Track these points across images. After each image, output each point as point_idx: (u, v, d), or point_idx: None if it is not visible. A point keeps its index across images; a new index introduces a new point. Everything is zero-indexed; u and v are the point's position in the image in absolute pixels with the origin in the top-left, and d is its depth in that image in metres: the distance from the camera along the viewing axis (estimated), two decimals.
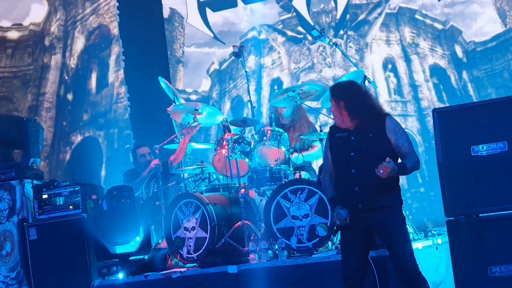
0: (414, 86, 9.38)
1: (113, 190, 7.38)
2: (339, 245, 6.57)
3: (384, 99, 9.42)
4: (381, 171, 5.14)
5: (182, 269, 7.05)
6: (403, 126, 9.06)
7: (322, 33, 7.71)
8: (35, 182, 7.98)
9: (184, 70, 10.58)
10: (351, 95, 5.43)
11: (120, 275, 7.19)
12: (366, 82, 7.61)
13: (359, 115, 5.40)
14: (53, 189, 7.85)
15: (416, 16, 9.39)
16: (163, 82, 8.11)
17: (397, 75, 9.46)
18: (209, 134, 10.19)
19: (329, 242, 6.85)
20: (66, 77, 10.86)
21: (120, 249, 7.39)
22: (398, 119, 8.99)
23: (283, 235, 6.83)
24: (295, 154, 7.57)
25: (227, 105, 10.32)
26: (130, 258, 7.41)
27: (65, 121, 10.87)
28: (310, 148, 7.95)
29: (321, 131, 7.57)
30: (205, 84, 10.47)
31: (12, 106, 10.85)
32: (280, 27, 10.07)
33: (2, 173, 8.06)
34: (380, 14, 9.56)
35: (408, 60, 9.42)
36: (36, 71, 10.90)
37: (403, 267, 5.35)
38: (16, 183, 7.88)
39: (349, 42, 9.67)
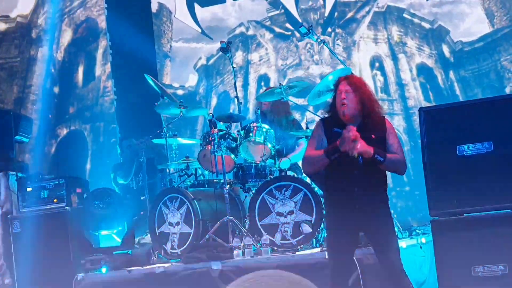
0: (401, 85, 9.40)
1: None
2: (323, 243, 6.58)
3: None
4: (351, 144, 5.11)
5: (166, 264, 7.04)
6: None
7: (310, 30, 7.70)
8: (19, 174, 7.94)
9: (172, 65, 10.55)
10: (368, 89, 5.45)
11: (104, 270, 7.17)
12: None
13: (367, 111, 5.37)
14: (38, 182, 7.81)
15: (404, 15, 9.41)
16: (149, 79, 8.09)
17: (384, 74, 9.47)
18: (195, 129, 10.17)
19: (313, 239, 6.85)
20: (53, 70, 10.81)
21: (104, 243, 7.38)
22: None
23: (267, 232, 6.83)
24: (283, 159, 7.57)
25: (213, 101, 10.30)
26: (114, 252, 7.40)
27: (51, 114, 10.82)
28: (296, 147, 7.94)
29: (307, 128, 7.57)
30: (192, 79, 10.45)
31: None
32: (268, 23, 10.07)
33: None
34: (368, 12, 9.57)
35: (395, 59, 9.44)
36: (22, 63, 10.84)
37: (391, 266, 5.36)
38: (0, 175, 7.83)
39: (337, 39, 9.67)
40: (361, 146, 5.17)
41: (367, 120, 5.38)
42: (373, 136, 5.32)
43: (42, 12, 10.81)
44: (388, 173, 5.48)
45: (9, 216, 7.71)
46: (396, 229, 6.88)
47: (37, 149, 10.40)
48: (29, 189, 7.78)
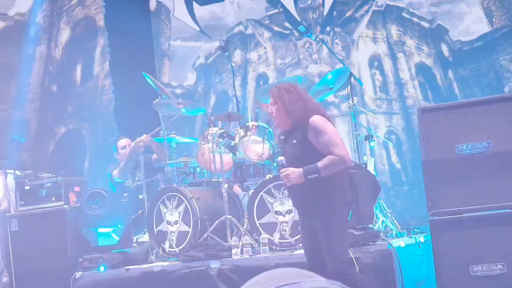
0: (399, 84, 9.40)
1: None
2: None
3: (370, 96, 9.44)
4: (285, 180, 5.33)
5: (164, 263, 7.04)
6: (387, 124, 9.16)
7: (309, 29, 7.70)
8: (17, 173, 7.92)
9: (170, 64, 10.54)
10: (288, 96, 5.43)
11: (102, 268, 7.16)
12: (352, 79, 7.62)
13: (294, 117, 5.40)
14: (36, 180, 7.80)
15: (403, 14, 9.40)
16: (148, 78, 8.08)
17: (383, 73, 9.47)
18: (194, 128, 10.16)
19: None
20: (51, 68, 10.79)
21: (101, 242, 7.37)
22: (383, 116, 9.16)
23: (266, 231, 6.83)
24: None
25: (212, 99, 10.29)
26: (111, 251, 7.39)
27: (49, 113, 10.80)
28: None
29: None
30: (191, 78, 10.44)
31: None
32: (267, 22, 10.06)
33: None
34: (367, 11, 9.56)
35: (394, 58, 9.43)
36: (20, 61, 10.80)
37: (330, 271, 5.35)
38: None
39: (336, 38, 9.66)
40: (291, 180, 5.30)
41: (293, 126, 5.44)
42: (294, 141, 5.40)
43: (40, 10, 10.78)
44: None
45: (6, 214, 7.69)
46: (393, 228, 6.88)
47: (35, 148, 10.38)
48: (27, 187, 7.76)
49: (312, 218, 5.46)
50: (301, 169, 5.27)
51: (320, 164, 5.26)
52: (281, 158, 5.48)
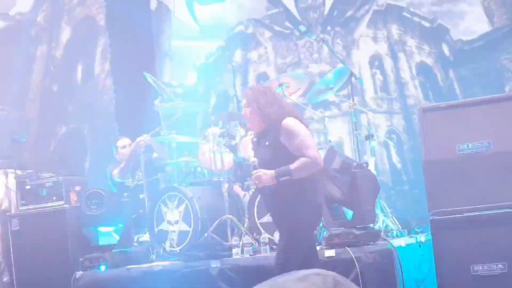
0: (400, 84, 9.38)
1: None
2: (321, 241, 6.57)
3: (370, 96, 9.42)
4: (256, 182, 5.34)
5: (165, 263, 7.03)
6: (388, 123, 9.15)
7: (309, 29, 7.70)
8: (18, 172, 7.93)
9: (171, 63, 10.54)
10: (262, 98, 5.41)
11: (103, 267, 7.16)
12: (353, 78, 7.61)
13: (268, 119, 5.37)
14: (36, 180, 7.80)
15: (404, 13, 9.39)
16: (149, 78, 8.08)
17: (383, 72, 9.46)
18: (194, 127, 10.15)
19: None
20: (52, 68, 10.79)
21: (102, 241, 7.37)
22: (383, 116, 9.15)
23: (266, 230, 6.82)
24: None
25: (213, 99, 10.29)
26: (112, 250, 7.39)
27: (50, 112, 10.80)
28: None
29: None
30: (191, 78, 10.44)
31: None
32: (267, 22, 10.05)
33: None
34: (368, 11, 9.55)
35: (395, 58, 9.42)
36: (21, 61, 10.82)
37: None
38: None
39: (336, 38, 9.65)
40: (263, 181, 5.28)
41: (267, 128, 5.41)
42: (266, 143, 5.38)
43: (41, 10, 10.79)
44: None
45: (7, 214, 7.69)
46: (393, 228, 6.87)
47: (36, 147, 10.39)
48: (27, 187, 7.76)
49: (281, 220, 5.45)
50: (273, 171, 5.25)
51: (292, 166, 5.22)
52: (253, 159, 5.46)
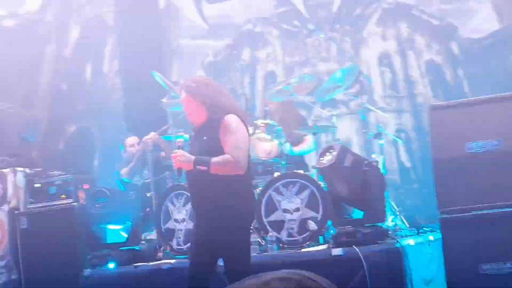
0: (409, 82, 9.35)
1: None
2: (330, 240, 6.56)
3: (379, 94, 9.39)
4: (173, 161, 5.19)
5: (172, 261, 7.03)
6: (397, 122, 9.11)
7: (318, 27, 7.68)
8: (27, 171, 7.95)
9: (179, 62, 10.54)
10: (207, 90, 5.26)
11: (111, 265, 7.17)
12: (361, 77, 7.60)
13: (208, 112, 5.23)
14: (46, 178, 7.82)
15: (413, 11, 9.35)
16: (157, 77, 8.08)
17: (392, 71, 9.43)
18: None
19: (320, 236, 6.83)
20: (61, 67, 10.82)
21: (110, 239, 7.38)
22: (392, 114, 9.12)
23: (273, 228, 6.81)
24: (288, 144, 7.56)
25: None
26: (120, 248, 7.40)
27: (59, 111, 10.82)
28: (300, 143, 7.92)
29: (314, 125, 7.56)
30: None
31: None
32: (275, 20, 10.03)
33: None
34: (376, 9, 9.53)
35: (403, 56, 9.39)
36: (31, 60, 10.84)
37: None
38: (8, 171, 7.84)
39: (345, 36, 9.63)
40: (180, 161, 5.14)
41: (207, 122, 5.26)
42: (204, 138, 5.24)
43: (50, 9, 10.81)
44: None
45: (16, 212, 7.71)
46: (401, 226, 6.84)
47: (45, 146, 10.41)
48: (37, 185, 7.78)
49: (208, 221, 5.25)
50: (193, 157, 5.11)
51: (213, 159, 5.07)
52: (179, 140, 5.41)
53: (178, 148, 5.30)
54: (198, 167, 5.08)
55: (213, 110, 5.19)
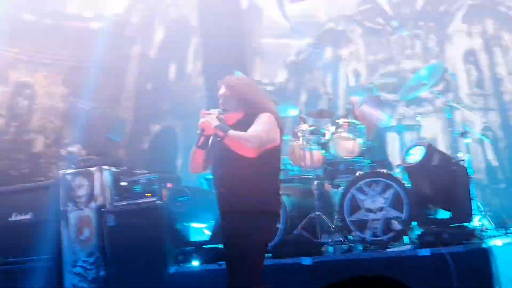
0: (496, 80, 9.15)
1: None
2: (415, 240, 6.48)
3: (465, 92, 9.22)
4: (203, 119, 5.02)
5: None
6: (483, 120, 8.92)
7: (402, 24, 7.61)
8: (113, 169, 8.10)
9: (261, 61, 10.58)
10: (247, 89, 5.15)
11: (196, 263, 7.25)
12: (446, 74, 7.48)
13: (245, 111, 5.10)
14: (131, 176, 7.95)
15: (499, 7, 9.15)
16: (239, 76, 8.14)
17: (478, 68, 9.24)
18: (284, 125, 10.16)
19: (406, 237, 6.75)
20: (146, 68, 11.00)
21: (194, 237, 7.45)
22: (478, 113, 8.92)
23: (357, 228, 6.77)
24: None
25: (303, 96, 10.27)
26: (204, 246, 7.47)
27: (144, 111, 11.01)
28: None
29: (399, 123, 7.48)
30: (282, 75, 10.46)
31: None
32: (358, 18, 9.97)
33: (82, 161, 8.23)
34: (462, 5, 9.36)
35: (490, 53, 9.19)
36: (117, 61, 11.06)
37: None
38: (95, 170, 8.00)
39: (429, 33, 9.49)
40: (206, 121, 5.01)
41: (242, 120, 5.11)
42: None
43: (135, 11, 11.01)
44: None
45: (103, 210, 7.86)
46: (488, 226, 6.69)
47: (131, 145, 10.60)
48: (123, 183, 7.91)
49: (230, 219, 5.05)
50: (217, 122, 4.98)
51: (231, 130, 4.94)
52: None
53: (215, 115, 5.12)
54: (216, 130, 4.95)
55: (250, 109, 5.10)
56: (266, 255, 7.11)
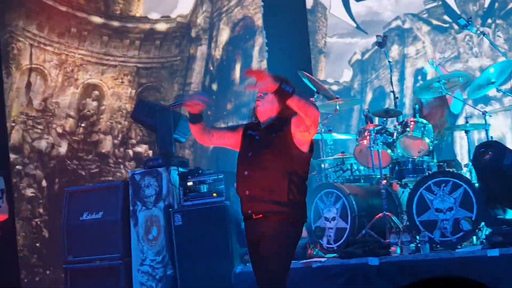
0: None
1: None
2: (484, 240, 6.40)
3: None
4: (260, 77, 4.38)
5: (322, 259, 7.07)
6: None
7: (469, 22, 7.50)
8: (180, 169, 8.18)
9: (326, 61, 10.56)
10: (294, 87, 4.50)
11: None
12: None
13: (281, 110, 4.68)
14: (198, 176, 8.03)
15: None
16: (304, 77, 8.14)
17: None
18: (350, 124, 10.13)
19: (474, 237, 6.67)
20: (211, 68, 11.08)
21: None
22: None
23: (425, 228, 6.72)
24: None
25: (369, 96, 10.22)
26: None
27: (209, 111, 11.09)
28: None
29: (466, 122, 7.39)
30: (347, 75, 10.41)
31: (159, 95, 11.19)
32: (425, 16, 9.86)
33: (149, 161, 8.35)
34: None
35: None
36: (182, 61, 11.18)
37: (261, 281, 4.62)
38: (162, 170, 8.10)
39: (498, 31, 9.32)
40: (265, 79, 4.37)
41: (276, 119, 4.72)
42: (273, 134, 4.68)
43: (201, 12, 11.11)
44: None
45: (170, 209, 7.96)
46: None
47: (197, 145, 10.70)
48: (189, 183, 7.99)
49: (259, 224, 4.67)
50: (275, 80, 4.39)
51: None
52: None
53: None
54: (282, 86, 4.35)
55: (287, 109, 4.63)
56: (330, 255, 7.16)
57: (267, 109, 4.76)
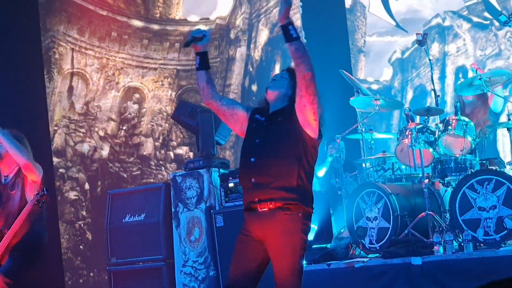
0: None
1: None
2: None
3: None
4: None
5: (365, 259, 7.04)
6: None
7: (510, 19, 7.42)
8: (221, 171, 8.21)
9: (366, 60, 10.52)
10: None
11: (303, 263, 7.27)
12: None
13: (290, 99, 4.66)
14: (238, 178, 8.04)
15: None
16: (344, 75, 8.14)
17: None
18: (391, 123, 10.08)
19: None
20: (251, 69, 11.11)
21: None
22: None
23: (469, 227, 6.65)
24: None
25: (409, 94, 10.16)
26: (312, 246, 7.49)
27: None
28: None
29: (509, 120, 7.30)
30: (387, 73, 10.37)
31: (199, 97, 11.22)
32: (465, 13, 9.77)
33: (190, 162, 8.39)
34: None
35: None
36: (222, 63, 11.23)
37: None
38: (203, 171, 8.13)
39: None
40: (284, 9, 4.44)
41: (286, 106, 4.66)
42: (279, 119, 4.61)
43: (239, 13, 11.14)
44: None
45: (212, 211, 7.99)
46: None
47: (236, 146, 10.73)
48: (230, 184, 8.01)
49: (265, 222, 4.62)
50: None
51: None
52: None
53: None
54: (289, 28, 4.53)
55: (292, 100, 4.65)
56: (372, 255, 7.13)
57: (279, 93, 4.71)
